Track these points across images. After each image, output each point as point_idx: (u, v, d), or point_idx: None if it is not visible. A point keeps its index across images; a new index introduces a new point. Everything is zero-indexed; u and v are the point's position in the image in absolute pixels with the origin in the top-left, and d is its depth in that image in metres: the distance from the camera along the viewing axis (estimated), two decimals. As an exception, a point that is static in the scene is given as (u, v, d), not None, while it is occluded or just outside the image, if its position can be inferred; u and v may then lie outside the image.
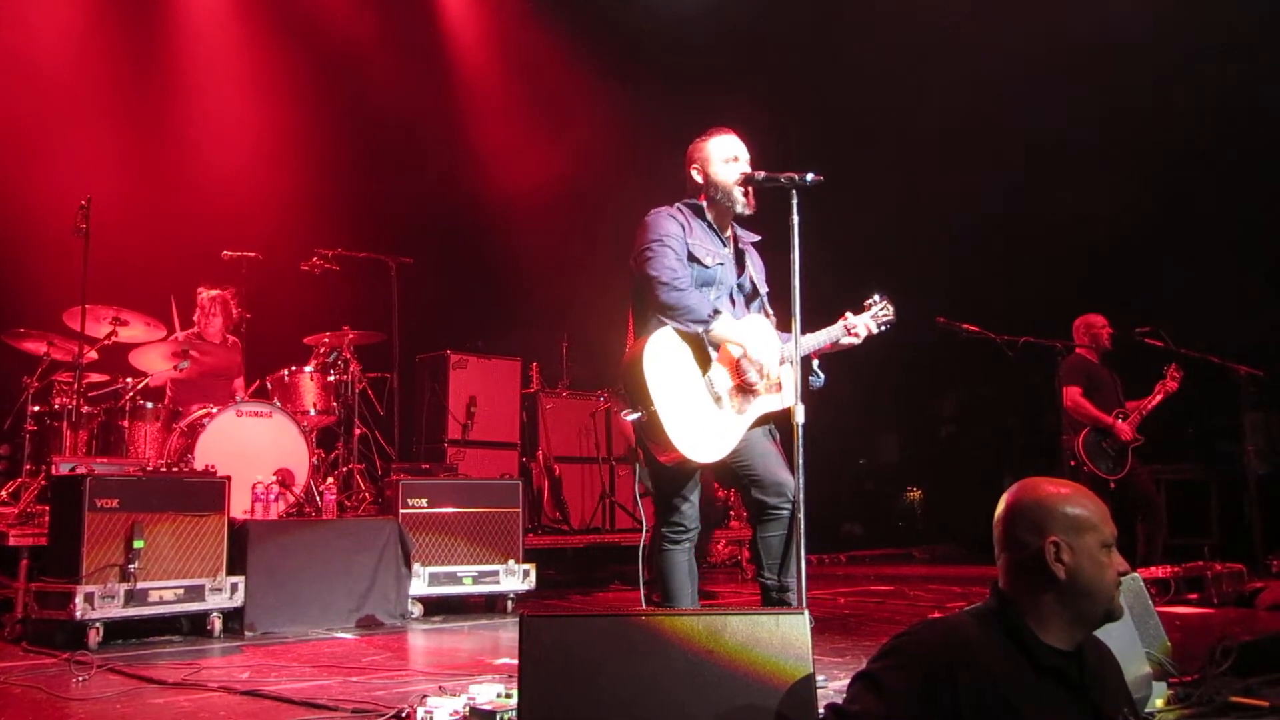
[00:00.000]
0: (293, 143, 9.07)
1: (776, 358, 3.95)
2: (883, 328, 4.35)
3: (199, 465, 6.01)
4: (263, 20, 9.17)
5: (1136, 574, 3.98)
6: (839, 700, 2.30)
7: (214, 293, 7.36)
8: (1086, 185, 9.67)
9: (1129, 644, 3.43)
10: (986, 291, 9.24)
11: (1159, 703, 3.46)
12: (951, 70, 9.58)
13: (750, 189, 4.02)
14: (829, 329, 4.18)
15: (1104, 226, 9.61)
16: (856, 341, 4.23)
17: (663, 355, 3.78)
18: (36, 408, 6.60)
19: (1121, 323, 7.36)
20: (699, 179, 4.10)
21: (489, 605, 6.71)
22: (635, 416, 3.73)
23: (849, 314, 4.24)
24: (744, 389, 3.90)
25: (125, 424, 6.57)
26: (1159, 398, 7.08)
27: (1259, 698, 3.43)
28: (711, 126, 4.15)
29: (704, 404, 3.81)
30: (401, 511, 6.36)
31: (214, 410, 6.42)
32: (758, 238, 4.25)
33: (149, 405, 6.70)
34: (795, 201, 3.74)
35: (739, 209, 4.05)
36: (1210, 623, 5.83)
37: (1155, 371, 7.22)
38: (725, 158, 4.05)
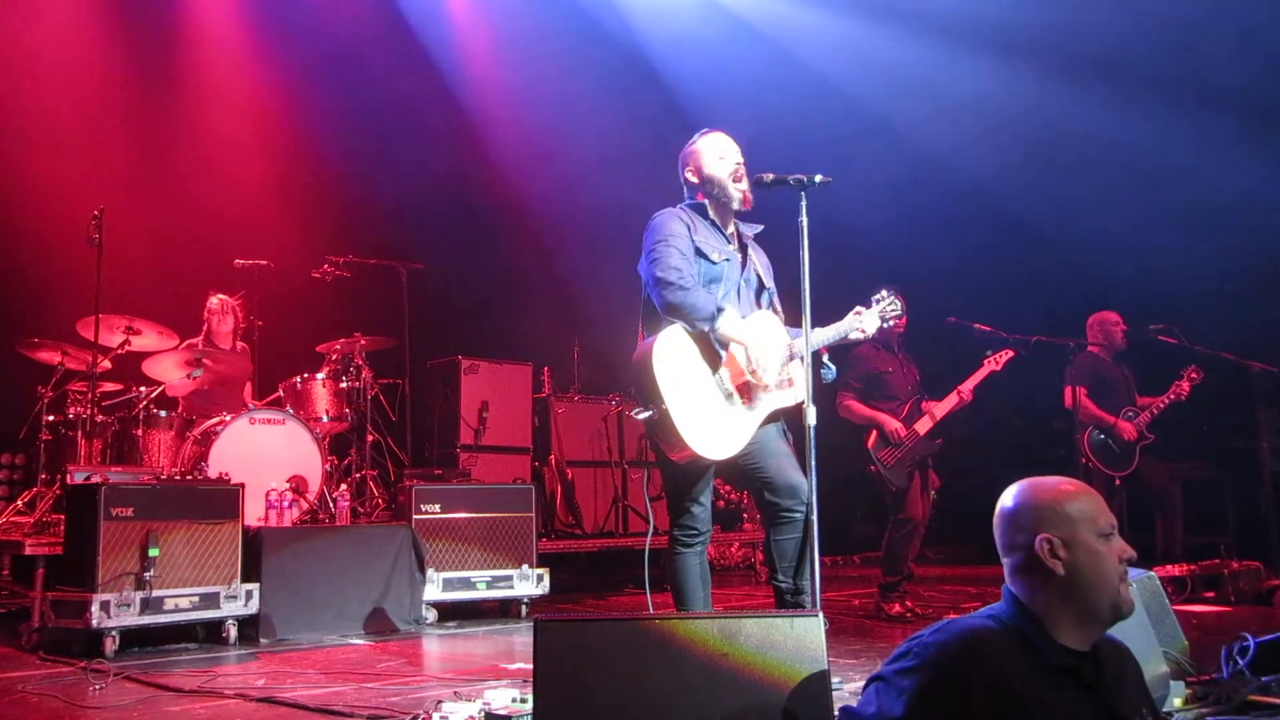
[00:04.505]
0: (303, 150, 9.10)
1: (782, 355, 3.96)
2: (889, 323, 4.38)
3: (213, 473, 6.04)
4: (272, 30, 9.20)
5: (1153, 573, 3.96)
6: (854, 703, 2.30)
7: (224, 298, 7.41)
8: (1095, 180, 9.63)
9: (1146, 643, 3.42)
10: (997, 290, 9.20)
11: (1177, 702, 3.44)
12: (952, 66, 9.55)
13: (746, 184, 4.05)
14: (838, 324, 4.20)
15: (1111, 221, 9.56)
16: (864, 336, 4.28)
17: (672, 353, 3.79)
18: (51, 417, 6.64)
19: (1135, 320, 7.32)
20: (694, 179, 4.14)
21: (503, 610, 6.71)
22: (646, 415, 3.73)
23: (859, 308, 4.26)
24: (754, 383, 3.90)
25: (139, 433, 6.60)
26: (1169, 399, 7.03)
27: (1278, 696, 3.41)
28: (703, 128, 4.20)
29: (714, 400, 3.82)
30: (415, 517, 6.36)
31: (227, 418, 6.45)
32: (759, 228, 4.27)
33: (163, 414, 6.73)
34: (804, 203, 3.76)
35: (735, 205, 4.08)
36: (1227, 621, 5.81)
37: (1169, 369, 7.18)
38: (716, 154, 4.10)
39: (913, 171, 9.83)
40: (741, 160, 4.09)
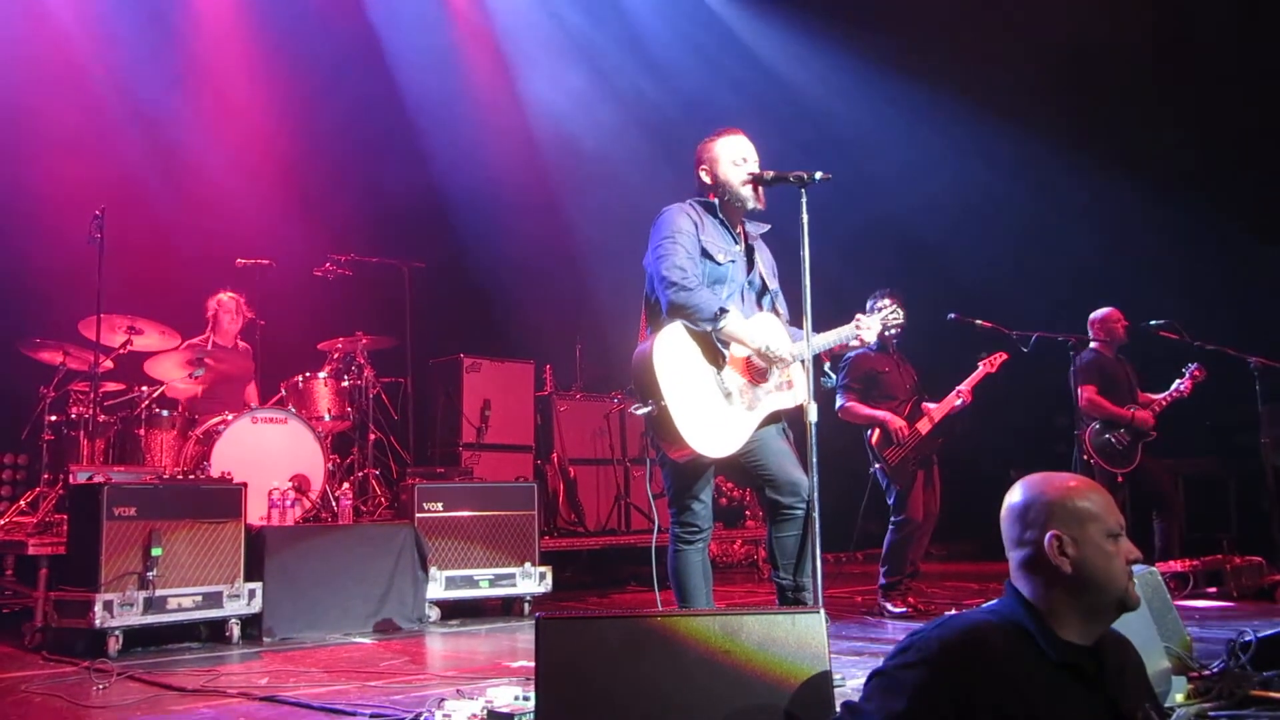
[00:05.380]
0: (305, 149, 9.10)
1: (787, 349, 3.95)
2: (891, 331, 4.38)
3: (215, 472, 6.04)
4: (274, 27, 9.19)
5: (1155, 568, 3.96)
6: (856, 699, 2.30)
7: (231, 296, 7.42)
8: (1091, 173, 9.64)
9: (1148, 639, 3.42)
10: (997, 287, 9.20)
11: (1179, 697, 3.45)
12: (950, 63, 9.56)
13: (759, 189, 4.04)
14: (840, 330, 4.18)
15: (1111, 216, 9.57)
16: (862, 346, 4.27)
17: (674, 350, 3.80)
18: (53, 417, 6.64)
19: (1135, 317, 7.32)
20: (708, 179, 4.11)
21: (506, 608, 6.72)
22: (646, 410, 3.74)
23: (860, 315, 4.25)
24: (755, 384, 3.90)
25: (141, 432, 6.60)
26: (1172, 396, 7.03)
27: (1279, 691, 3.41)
28: (721, 126, 4.16)
29: (714, 399, 3.82)
30: (417, 516, 6.37)
31: (229, 417, 6.45)
32: (766, 228, 4.26)
33: (165, 413, 6.73)
34: (804, 200, 3.75)
35: (750, 206, 4.06)
36: (1230, 616, 5.81)
37: (1170, 365, 7.17)
38: (734, 159, 4.06)
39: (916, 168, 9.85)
40: (755, 169, 4.05)
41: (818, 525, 3.65)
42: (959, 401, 6.32)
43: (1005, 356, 6.43)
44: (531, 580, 6.62)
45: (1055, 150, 9.45)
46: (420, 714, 3.56)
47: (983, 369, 6.40)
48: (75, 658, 4.98)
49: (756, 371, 3.92)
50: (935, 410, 6.32)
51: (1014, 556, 2.28)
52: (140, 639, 5.30)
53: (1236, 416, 8.34)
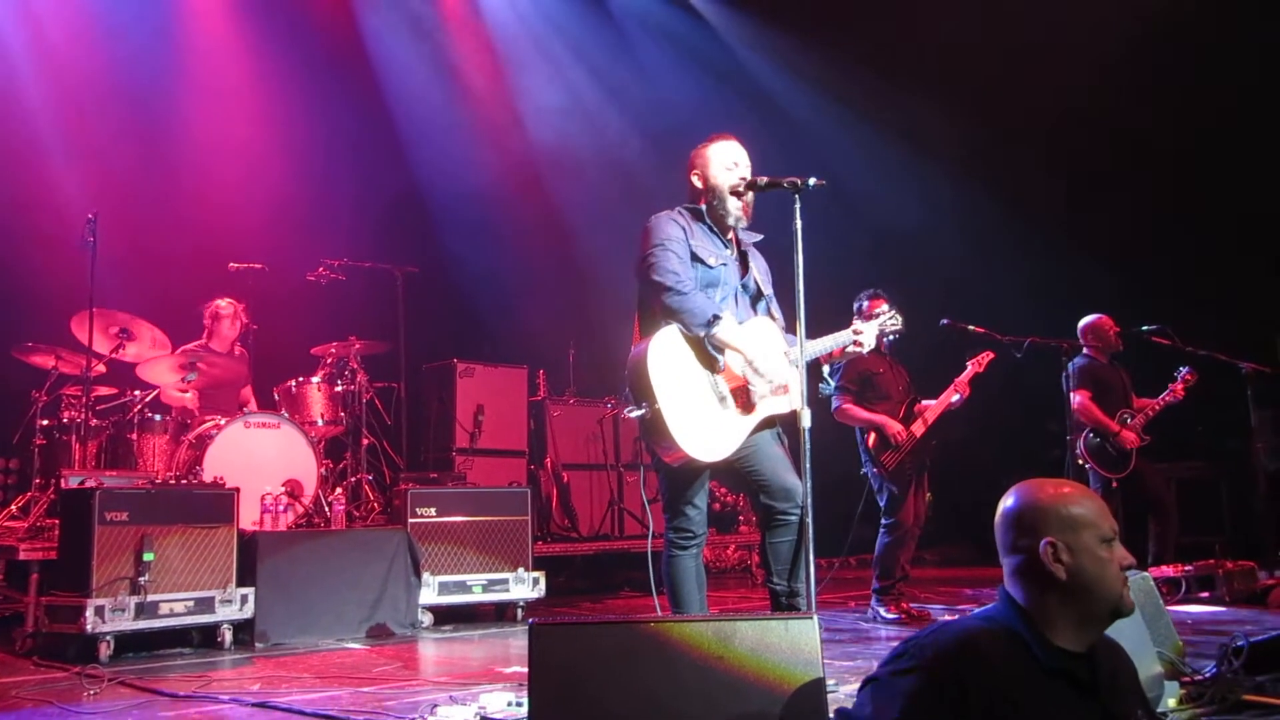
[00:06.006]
0: (298, 153, 9.09)
1: (781, 363, 3.94)
2: (890, 337, 4.38)
3: (208, 477, 6.03)
4: (267, 31, 9.19)
5: (1148, 573, 3.97)
6: (849, 705, 2.30)
7: (229, 303, 7.41)
8: (1085, 176, 9.67)
9: (1141, 644, 3.42)
10: (991, 291, 9.22)
11: (1171, 702, 3.45)
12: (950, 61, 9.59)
13: (746, 200, 4.02)
14: (836, 335, 4.17)
15: (1105, 221, 9.60)
16: (862, 350, 4.27)
17: (669, 353, 3.79)
18: (45, 421, 6.63)
19: (1127, 321, 7.34)
20: (699, 184, 4.10)
21: (499, 614, 6.71)
22: (639, 413, 3.73)
23: (857, 321, 4.25)
24: (749, 388, 3.89)
25: (134, 437, 6.58)
26: (1164, 401, 7.04)
27: (1272, 695, 3.42)
28: (714, 133, 4.16)
29: (708, 403, 3.81)
30: (410, 521, 6.36)
31: (222, 422, 6.44)
32: (759, 237, 4.25)
33: (157, 418, 6.72)
34: (798, 206, 3.74)
35: (731, 220, 4.04)
36: (1222, 621, 5.83)
37: (1164, 369, 7.19)
38: (725, 164, 4.04)
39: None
40: (747, 175, 4.03)
41: (811, 531, 3.64)
42: (956, 397, 6.33)
43: (992, 356, 6.47)
44: (525, 586, 6.61)
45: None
46: (414, 719, 3.56)
47: (971, 369, 6.43)
48: (66, 663, 4.96)
49: (749, 380, 3.91)
50: (930, 410, 6.32)
51: (1008, 563, 2.28)
52: (132, 644, 5.28)
53: (1228, 421, 8.37)
